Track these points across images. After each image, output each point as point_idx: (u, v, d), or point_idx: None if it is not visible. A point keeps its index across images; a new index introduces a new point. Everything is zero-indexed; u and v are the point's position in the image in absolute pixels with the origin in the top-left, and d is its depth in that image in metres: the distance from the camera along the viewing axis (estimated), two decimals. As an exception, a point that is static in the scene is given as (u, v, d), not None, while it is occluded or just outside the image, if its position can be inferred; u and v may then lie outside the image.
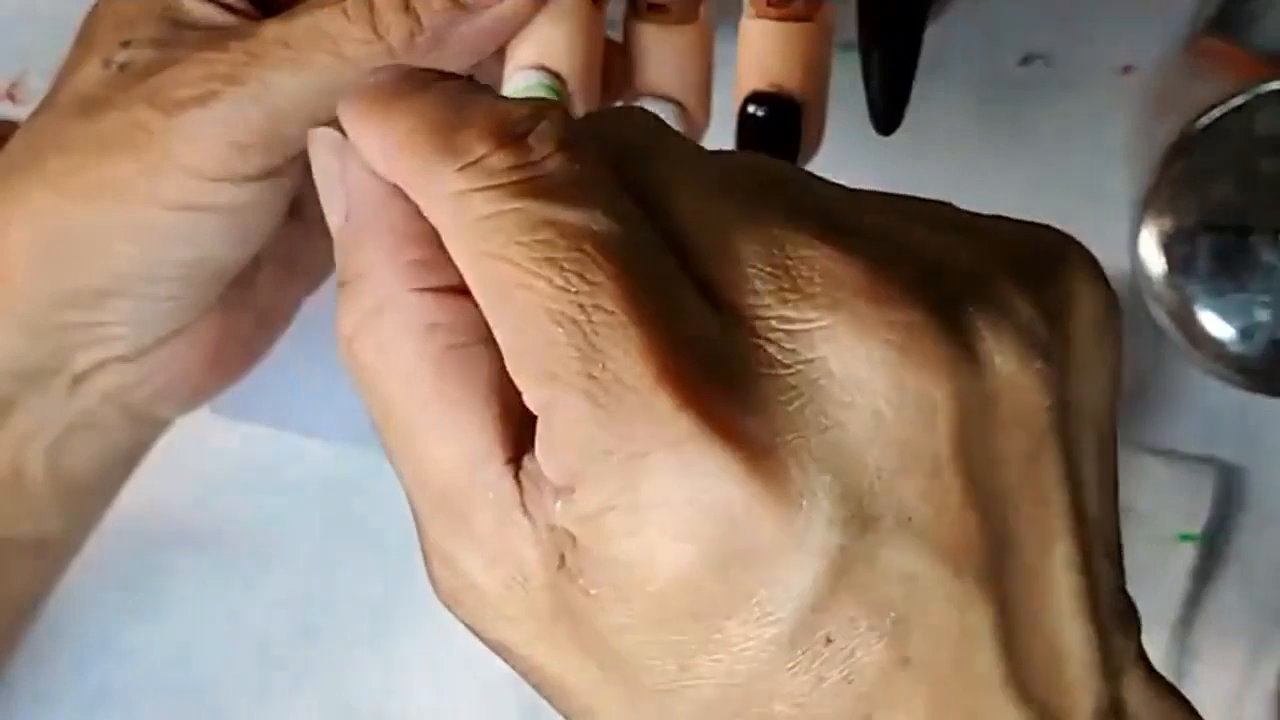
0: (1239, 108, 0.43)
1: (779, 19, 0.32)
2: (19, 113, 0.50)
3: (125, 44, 0.34)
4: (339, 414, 0.48)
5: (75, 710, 0.49)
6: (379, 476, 0.48)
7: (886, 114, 0.33)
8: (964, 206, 0.46)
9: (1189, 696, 0.47)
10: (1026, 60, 0.46)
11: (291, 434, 0.48)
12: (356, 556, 0.49)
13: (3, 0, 0.50)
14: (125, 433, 0.38)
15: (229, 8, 0.35)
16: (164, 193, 0.33)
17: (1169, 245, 0.43)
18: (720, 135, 0.34)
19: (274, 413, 0.47)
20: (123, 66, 0.34)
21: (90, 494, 0.39)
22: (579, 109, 0.32)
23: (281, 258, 0.39)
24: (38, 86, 0.49)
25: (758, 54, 0.32)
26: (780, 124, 0.32)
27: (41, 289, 0.34)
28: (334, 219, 0.25)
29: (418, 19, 0.31)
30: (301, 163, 0.34)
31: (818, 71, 0.33)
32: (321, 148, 0.25)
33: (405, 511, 0.49)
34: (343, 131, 0.24)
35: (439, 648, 0.49)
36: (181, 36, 0.34)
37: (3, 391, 0.35)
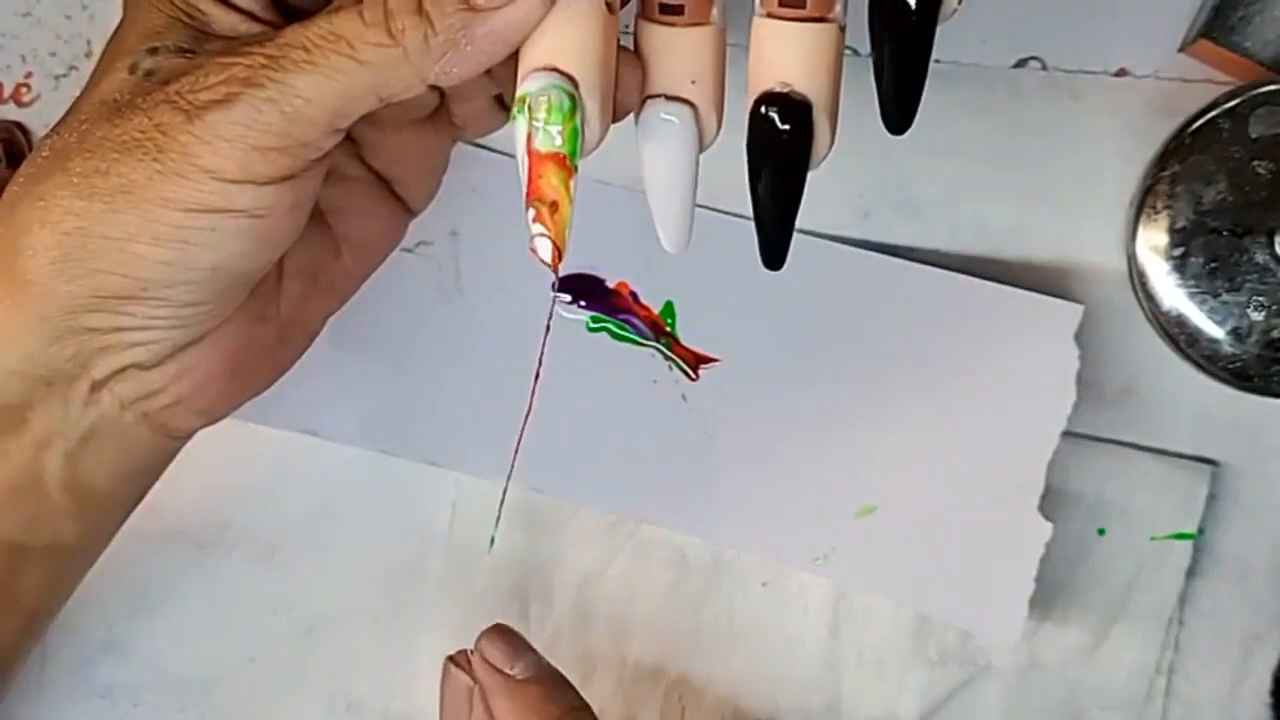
0: (1233, 110, 0.43)
1: (791, 20, 0.32)
2: (24, 115, 0.50)
3: (152, 51, 0.34)
4: (341, 415, 0.48)
5: (78, 709, 0.49)
6: (380, 477, 0.49)
7: (898, 113, 0.32)
8: (960, 207, 0.47)
9: (1183, 693, 0.48)
10: (1022, 63, 0.47)
11: (293, 434, 0.49)
12: (358, 557, 0.49)
13: (7, 4, 0.50)
14: (145, 442, 0.38)
15: (255, 17, 0.35)
16: (184, 195, 0.33)
17: (1164, 246, 0.44)
18: (732, 137, 0.34)
19: (276, 413, 0.48)
20: (149, 73, 0.34)
21: (108, 504, 0.39)
22: (592, 111, 0.32)
23: (306, 272, 0.40)
24: (43, 89, 0.50)
25: (769, 55, 0.32)
26: (792, 125, 0.32)
27: (62, 291, 0.34)
28: None
29: (431, 23, 0.31)
30: (322, 168, 0.35)
31: (830, 72, 0.32)
32: (458, 684, 0.37)
33: (404, 512, 0.49)
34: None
35: (440, 647, 0.49)
36: (208, 45, 0.34)
37: (21, 395, 0.35)
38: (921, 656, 0.48)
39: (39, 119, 0.50)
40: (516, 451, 0.36)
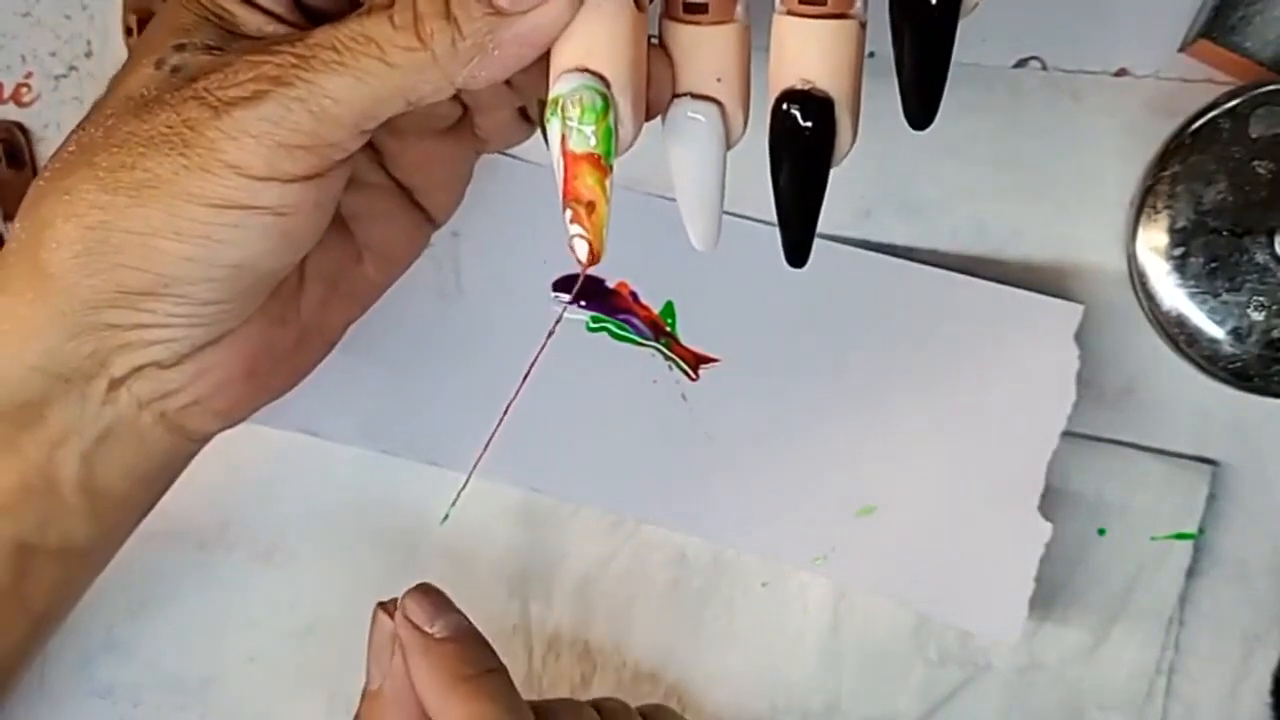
0: (1233, 110, 0.43)
1: (811, 16, 0.32)
2: (24, 115, 0.50)
3: (179, 47, 0.34)
4: (341, 415, 0.48)
5: (78, 708, 0.49)
6: (380, 477, 0.49)
7: (920, 109, 0.32)
8: (960, 207, 0.47)
9: (1183, 693, 0.48)
10: (1022, 63, 0.47)
11: (293, 434, 0.49)
12: (358, 557, 0.49)
13: (7, 4, 0.50)
14: (161, 444, 0.38)
15: (280, 19, 0.35)
16: (209, 190, 0.33)
17: (1164, 246, 0.44)
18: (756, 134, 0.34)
19: (276, 413, 0.47)
20: (175, 69, 0.34)
21: (122, 506, 0.39)
22: (625, 110, 0.32)
23: (327, 277, 0.40)
24: (43, 89, 0.50)
25: (790, 52, 0.32)
26: (814, 122, 0.32)
27: (84, 285, 0.34)
28: (373, 684, 0.38)
29: (459, 27, 0.31)
30: (346, 169, 0.35)
31: (851, 69, 0.32)
32: (384, 631, 0.37)
33: (405, 512, 0.49)
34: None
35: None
36: (235, 44, 0.34)
37: (40, 392, 0.35)
38: (921, 656, 0.48)
39: (39, 119, 0.50)
40: (489, 442, 0.36)
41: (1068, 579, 0.47)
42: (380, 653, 0.38)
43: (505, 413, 0.36)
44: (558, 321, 0.37)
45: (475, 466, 0.37)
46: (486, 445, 0.36)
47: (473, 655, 0.37)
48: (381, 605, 0.38)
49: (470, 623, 0.38)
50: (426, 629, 0.37)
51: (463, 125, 0.39)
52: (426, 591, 0.38)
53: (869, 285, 0.47)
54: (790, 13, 0.32)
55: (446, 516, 0.38)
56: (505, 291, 0.48)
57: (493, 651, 0.37)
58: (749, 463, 0.47)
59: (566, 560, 0.49)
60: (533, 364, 0.35)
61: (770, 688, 0.48)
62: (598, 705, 0.39)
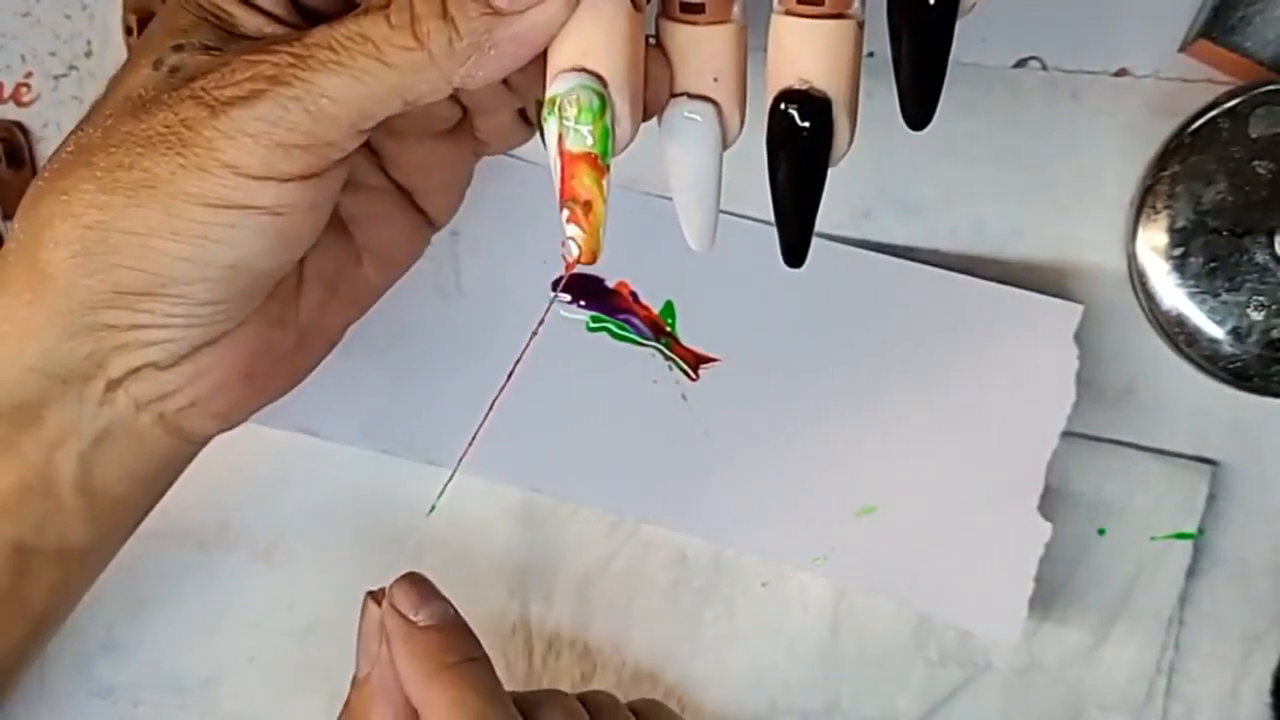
0: (1233, 110, 0.43)
1: (809, 16, 0.32)
2: (24, 115, 0.50)
3: (177, 48, 0.34)
4: (341, 415, 0.48)
5: (78, 708, 0.49)
6: (380, 477, 0.49)
7: (919, 109, 0.32)
8: (959, 208, 0.47)
9: (1183, 693, 0.48)
10: (1022, 63, 0.47)
11: (293, 434, 0.49)
12: (358, 557, 0.49)
13: (7, 4, 0.50)
14: (159, 446, 0.38)
15: (279, 19, 0.35)
16: (207, 190, 0.33)
17: (1164, 246, 0.44)
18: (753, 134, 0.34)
19: (276, 413, 0.47)
20: (173, 70, 0.34)
21: (120, 508, 0.39)
22: (622, 109, 0.32)
23: (326, 279, 0.40)
24: (43, 89, 0.50)
25: (788, 52, 0.32)
26: (812, 122, 0.32)
27: (81, 285, 0.34)
28: (360, 671, 0.38)
29: (456, 27, 0.32)
30: (343, 170, 0.35)
31: (849, 68, 0.32)
32: (372, 619, 0.38)
33: (405, 512, 0.49)
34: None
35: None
36: (234, 45, 0.34)
37: (38, 393, 0.35)
38: (921, 656, 0.48)
39: (39, 119, 0.50)
40: (479, 428, 0.36)
41: (1068, 579, 0.47)
42: (368, 641, 0.38)
43: (496, 397, 0.36)
44: (548, 309, 0.37)
45: (464, 454, 0.37)
46: (476, 432, 0.36)
47: (455, 644, 0.37)
48: (371, 594, 0.38)
49: (455, 611, 0.38)
50: (411, 617, 0.37)
51: (462, 127, 0.39)
52: (414, 580, 0.38)
53: (869, 285, 0.47)
54: (788, 12, 0.32)
55: (433, 508, 0.38)
56: (505, 291, 0.48)
57: (476, 641, 0.38)
58: (749, 463, 0.47)
59: (566, 560, 0.49)
60: (524, 350, 0.35)
61: (770, 688, 0.48)
62: (585, 698, 0.39)
